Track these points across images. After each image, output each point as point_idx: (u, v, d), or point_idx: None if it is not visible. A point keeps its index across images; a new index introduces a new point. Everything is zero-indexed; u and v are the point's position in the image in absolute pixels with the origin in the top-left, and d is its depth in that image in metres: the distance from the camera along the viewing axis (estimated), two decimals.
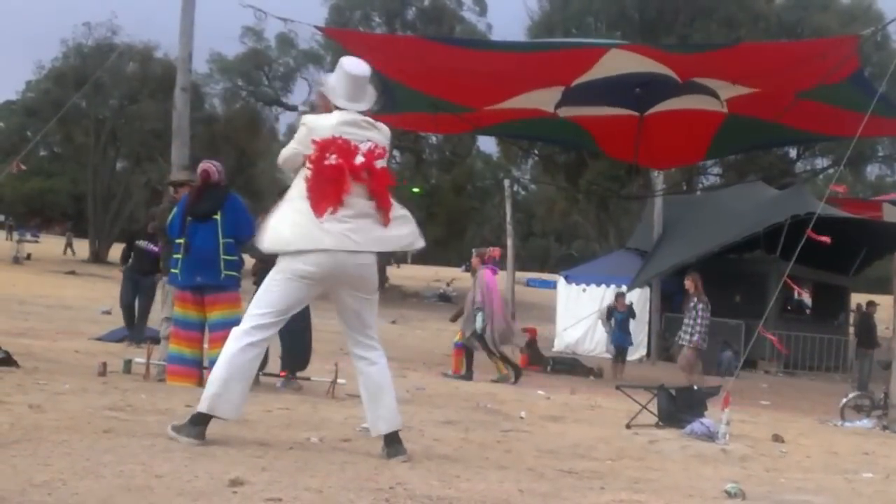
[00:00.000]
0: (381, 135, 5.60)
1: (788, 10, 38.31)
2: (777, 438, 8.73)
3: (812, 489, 6.14)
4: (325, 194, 5.36)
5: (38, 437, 5.65)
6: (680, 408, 8.91)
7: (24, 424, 6.05)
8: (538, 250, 76.24)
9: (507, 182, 33.66)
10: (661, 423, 8.85)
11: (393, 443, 5.67)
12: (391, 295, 42.94)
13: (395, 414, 5.70)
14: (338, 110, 5.54)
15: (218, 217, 9.15)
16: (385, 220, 5.48)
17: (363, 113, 5.58)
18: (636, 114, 15.71)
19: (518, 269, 31.61)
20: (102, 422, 6.43)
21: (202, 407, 5.62)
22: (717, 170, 40.16)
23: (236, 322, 9.17)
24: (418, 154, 45.45)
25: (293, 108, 40.68)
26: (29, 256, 44.78)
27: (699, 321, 14.82)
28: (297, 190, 5.46)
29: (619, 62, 13.77)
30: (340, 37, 22.18)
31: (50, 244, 54.46)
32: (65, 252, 50.69)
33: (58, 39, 50.03)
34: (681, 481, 6.07)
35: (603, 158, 31.95)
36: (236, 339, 5.65)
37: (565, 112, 15.58)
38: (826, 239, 9.91)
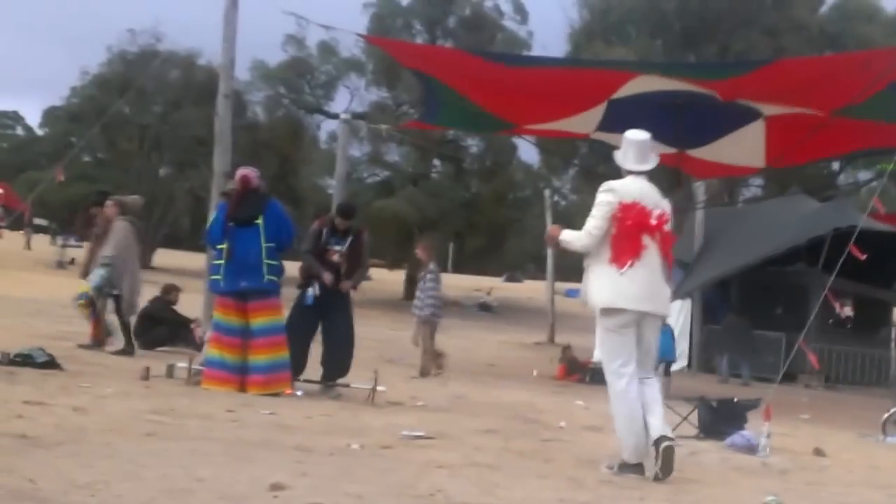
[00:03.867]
0: (666, 203, 6.55)
1: (832, 20, 37.92)
2: (818, 452, 8.64)
3: (853, 503, 6.09)
4: (626, 249, 6.27)
5: (82, 439, 5.72)
6: (720, 420, 8.84)
7: (68, 426, 6.13)
8: (578, 261, 75.79)
9: (547, 192, 33.61)
10: (701, 435, 8.79)
11: (660, 440, 6.17)
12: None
13: (663, 424, 6.32)
14: (630, 174, 6.49)
15: (260, 222, 9.23)
16: (669, 276, 6.51)
17: (647, 174, 6.52)
18: (674, 151, 15.66)
19: (557, 280, 31.48)
20: (145, 425, 6.51)
21: (630, 459, 6.29)
22: (758, 181, 39.84)
23: (279, 328, 9.28)
24: (459, 163, 45.43)
25: (334, 116, 40.67)
26: (73, 261, 45.23)
27: (427, 292, 14.22)
28: (605, 249, 6.39)
29: (660, 82, 13.77)
30: (383, 44, 22.26)
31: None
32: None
33: (102, 46, 50.52)
34: (720, 493, 6.03)
35: None
36: (616, 397, 6.32)
37: (599, 137, 15.56)
38: (861, 255, 9.80)
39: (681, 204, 29.09)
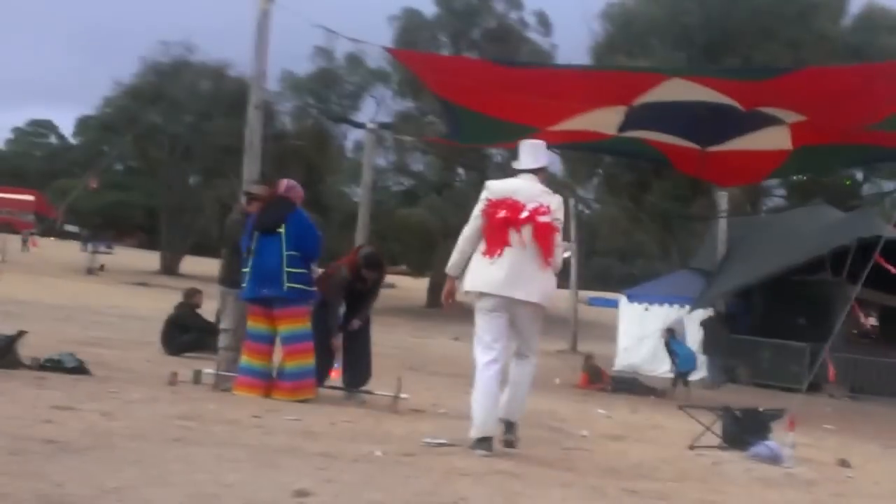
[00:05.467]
0: (550, 198, 7.04)
1: (855, 31, 37.64)
2: (843, 463, 8.60)
3: None
4: (495, 240, 6.87)
5: (110, 444, 5.79)
6: (744, 430, 8.82)
7: (96, 432, 6.20)
8: (600, 269, 75.58)
9: (571, 201, 33.64)
10: (724, 445, 8.77)
11: (507, 428, 7.15)
12: (454, 311, 42.88)
13: (514, 407, 7.15)
14: (518, 173, 7.14)
15: (282, 231, 9.31)
16: (544, 263, 6.91)
17: (536, 172, 7.14)
18: (698, 147, 15.63)
19: (580, 288, 31.45)
20: (172, 430, 6.57)
21: (475, 434, 6.82)
22: (781, 191, 39.65)
23: (304, 336, 9.35)
24: (482, 172, 45.49)
25: (361, 126, 40.89)
26: (102, 267, 45.58)
27: None
28: (482, 242, 7.00)
29: (681, 90, 13.75)
30: (407, 59, 22.35)
31: (123, 256, 55.33)
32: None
33: (135, 57, 50.99)
34: None
35: (666, 178, 31.81)
36: (478, 371, 6.89)
37: (628, 134, 15.55)
38: (893, 269, 9.79)
39: (704, 214, 29.12)
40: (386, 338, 14.11)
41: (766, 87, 13.50)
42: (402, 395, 9.75)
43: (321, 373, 9.90)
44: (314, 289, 9.57)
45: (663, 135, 15.45)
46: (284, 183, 9.66)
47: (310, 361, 9.42)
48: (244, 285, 9.44)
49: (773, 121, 14.43)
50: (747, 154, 15.77)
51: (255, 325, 9.42)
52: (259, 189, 10.16)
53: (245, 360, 9.43)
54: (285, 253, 9.24)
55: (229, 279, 10.14)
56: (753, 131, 14.78)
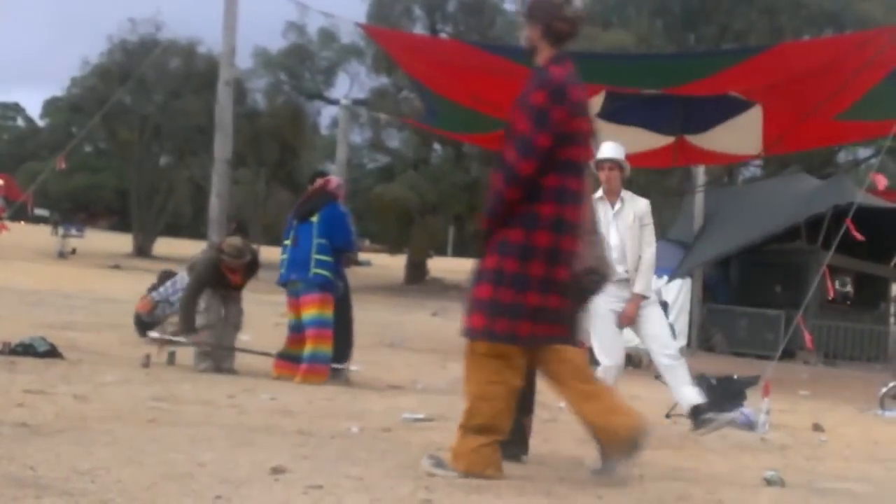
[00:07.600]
0: None
1: None
2: (817, 427, 8.70)
3: (852, 478, 6.13)
4: None
5: (83, 426, 5.76)
6: (719, 397, 8.88)
7: (69, 414, 6.16)
8: None
9: None
10: None
11: None
12: (432, 287, 42.94)
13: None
14: None
15: (314, 220, 9.63)
16: None
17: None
18: (671, 139, 15.66)
19: None
20: (146, 412, 6.55)
21: None
22: (757, 161, 39.77)
23: (326, 322, 9.53)
24: (458, 147, 45.41)
25: (335, 102, 40.63)
26: (74, 251, 45.27)
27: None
28: None
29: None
30: (379, 36, 22.21)
31: (95, 239, 55.00)
32: None
33: (103, 35, 50.52)
34: (720, 470, 6.07)
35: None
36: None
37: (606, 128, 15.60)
38: (859, 235, 9.86)
39: (682, 188, 29.15)
40: (364, 315, 14.04)
41: (739, 70, 13.50)
42: (353, 368, 9.86)
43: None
44: (339, 282, 9.83)
45: (636, 130, 15.45)
46: (335, 181, 10.10)
47: (326, 348, 9.65)
48: (283, 271, 9.79)
49: (748, 104, 14.47)
50: (719, 156, 15.96)
51: (288, 316, 9.90)
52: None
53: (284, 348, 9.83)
54: (315, 241, 9.55)
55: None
56: (730, 118, 14.84)
